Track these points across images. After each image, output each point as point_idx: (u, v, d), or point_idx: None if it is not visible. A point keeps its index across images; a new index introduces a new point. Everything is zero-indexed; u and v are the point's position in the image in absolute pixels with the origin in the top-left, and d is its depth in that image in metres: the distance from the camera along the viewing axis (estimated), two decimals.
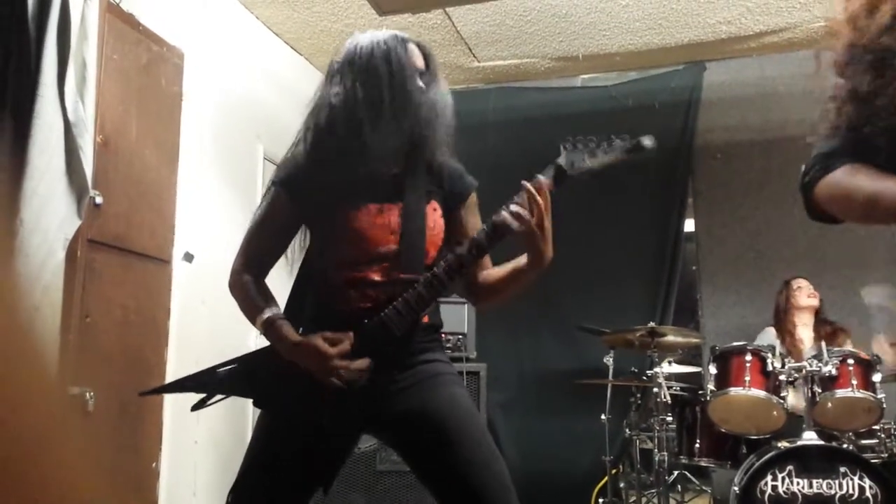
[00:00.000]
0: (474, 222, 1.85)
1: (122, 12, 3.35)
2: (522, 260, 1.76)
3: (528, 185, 1.66)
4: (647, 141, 1.70)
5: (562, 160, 1.70)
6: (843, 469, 3.21)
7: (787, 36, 4.51)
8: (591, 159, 1.70)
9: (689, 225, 4.96)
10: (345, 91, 1.72)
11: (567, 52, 4.71)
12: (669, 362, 4.23)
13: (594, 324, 4.21)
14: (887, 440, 3.55)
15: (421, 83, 1.75)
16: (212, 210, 3.68)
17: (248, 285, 1.79)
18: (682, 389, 4.06)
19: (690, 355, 4.69)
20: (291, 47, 4.63)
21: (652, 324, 3.88)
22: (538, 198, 1.65)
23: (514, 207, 1.66)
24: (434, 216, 1.80)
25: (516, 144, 4.80)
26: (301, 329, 1.75)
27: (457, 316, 3.69)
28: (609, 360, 4.21)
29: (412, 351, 1.74)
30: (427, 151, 1.76)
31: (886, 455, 3.54)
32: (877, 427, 3.51)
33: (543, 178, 1.69)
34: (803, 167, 1.50)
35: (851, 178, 1.39)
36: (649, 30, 4.44)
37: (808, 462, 3.26)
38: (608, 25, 4.42)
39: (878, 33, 1.34)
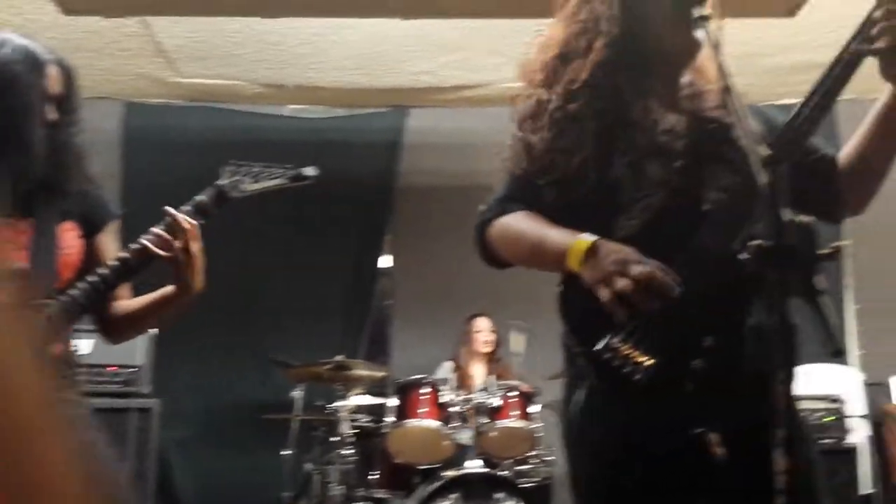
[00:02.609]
0: (113, 250, 1.73)
1: None
2: (169, 289, 1.67)
3: (172, 210, 1.59)
4: (310, 170, 1.77)
5: (222, 182, 1.67)
6: (498, 495, 3.47)
7: (483, 92, 4.89)
8: (254, 184, 1.72)
9: (387, 261, 5.13)
10: None
11: (276, 80, 4.66)
12: (361, 395, 4.29)
13: (290, 356, 4.15)
14: (539, 466, 3.91)
15: (53, 113, 1.61)
16: None
17: None
18: (369, 422, 4.13)
19: (381, 388, 4.81)
20: None
21: (339, 357, 3.91)
22: (183, 224, 1.58)
23: (157, 230, 1.58)
24: (69, 237, 1.66)
25: (216, 166, 4.62)
26: None
27: (128, 347, 3.39)
28: (297, 393, 4.17)
29: None
30: (59, 176, 1.63)
31: (539, 479, 3.90)
32: (532, 454, 3.85)
33: (201, 199, 1.66)
34: (481, 208, 1.56)
35: (521, 224, 1.46)
36: (357, 69, 4.56)
37: (470, 489, 3.47)
38: (318, 59, 4.45)
39: (563, 92, 1.41)
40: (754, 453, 1.11)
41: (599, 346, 1.30)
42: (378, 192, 4.97)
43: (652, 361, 1.27)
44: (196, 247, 1.63)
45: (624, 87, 1.42)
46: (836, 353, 0.87)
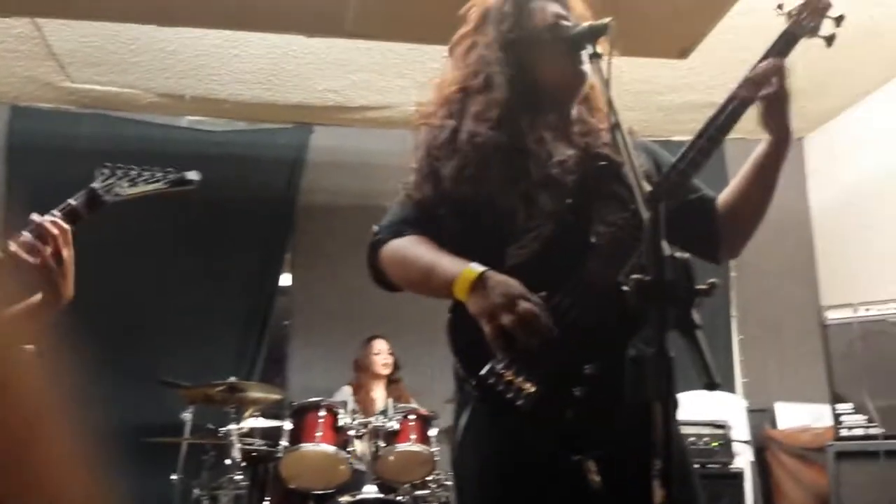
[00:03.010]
0: None
1: None
2: (34, 300, 1.56)
3: (37, 217, 1.51)
4: (193, 175, 1.72)
5: (97, 185, 1.61)
6: None
7: (387, 114, 4.90)
8: (132, 187, 1.64)
9: (287, 279, 5.03)
10: None
11: (173, 90, 4.52)
12: (256, 417, 4.16)
13: (183, 377, 3.98)
14: (437, 490, 3.89)
15: None
16: None
17: None
18: (263, 445, 4.00)
19: (278, 410, 4.68)
20: None
21: (233, 379, 3.79)
22: (52, 229, 1.49)
23: (24, 237, 1.49)
24: None
25: None
26: None
27: None
28: (187, 415, 4.00)
29: None
30: None
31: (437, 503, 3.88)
32: (430, 478, 3.82)
33: (71, 203, 1.58)
34: (375, 227, 1.53)
35: (415, 247, 1.45)
36: (259, 84, 4.48)
37: None
38: (218, 71, 4.35)
39: (474, 124, 1.43)
40: (632, 482, 1.13)
41: (484, 371, 1.31)
42: (279, 209, 4.87)
43: (534, 388, 1.29)
44: (67, 253, 1.52)
45: (521, 121, 1.46)
46: (710, 387, 0.90)
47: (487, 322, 1.25)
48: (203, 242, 4.58)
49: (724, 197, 1.52)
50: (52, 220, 1.50)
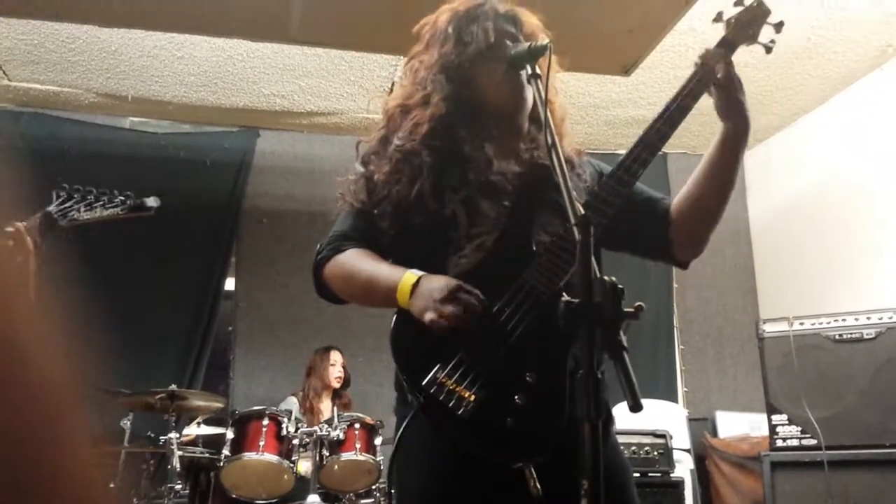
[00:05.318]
0: None
1: None
2: None
3: (18, 224, 1.47)
4: (152, 201, 1.68)
5: (52, 208, 1.57)
6: None
7: (335, 120, 4.87)
8: (88, 212, 1.60)
9: (230, 284, 4.95)
10: None
11: (115, 91, 4.42)
12: (199, 424, 4.08)
13: (123, 384, 3.88)
14: (382, 499, 3.87)
15: None
16: None
17: None
18: (205, 454, 3.93)
19: (222, 417, 4.59)
20: None
21: (173, 386, 3.71)
22: (27, 238, 1.46)
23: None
24: None
25: (46, 178, 4.28)
26: None
27: None
28: (126, 423, 3.90)
29: None
30: None
31: None
32: (374, 487, 3.81)
33: (25, 227, 1.53)
34: (319, 245, 1.55)
35: (356, 262, 1.47)
36: (204, 86, 4.41)
37: None
38: (161, 73, 4.27)
39: (406, 134, 1.48)
40: (572, 490, 1.14)
41: (426, 380, 1.31)
42: (225, 213, 4.80)
43: (476, 397, 1.30)
44: (35, 263, 1.54)
45: (460, 132, 1.49)
46: (634, 409, 0.92)
47: (431, 313, 1.28)
48: (146, 246, 4.47)
49: (681, 195, 1.53)
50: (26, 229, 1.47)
